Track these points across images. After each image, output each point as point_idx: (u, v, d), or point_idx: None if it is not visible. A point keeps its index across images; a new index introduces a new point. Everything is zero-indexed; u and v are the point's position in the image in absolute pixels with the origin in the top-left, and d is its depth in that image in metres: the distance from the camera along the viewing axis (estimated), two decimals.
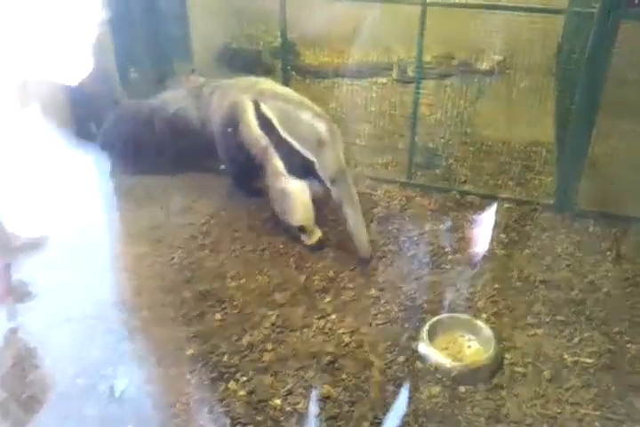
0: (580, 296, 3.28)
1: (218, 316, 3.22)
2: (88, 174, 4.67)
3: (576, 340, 3.01)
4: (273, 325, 3.16)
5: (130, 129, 4.63)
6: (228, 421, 2.62)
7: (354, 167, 4.69)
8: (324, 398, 2.73)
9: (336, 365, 2.91)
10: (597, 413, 2.63)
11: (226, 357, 2.95)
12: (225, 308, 3.28)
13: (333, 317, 3.22)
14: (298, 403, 2.71)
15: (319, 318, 3.21)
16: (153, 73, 5.64)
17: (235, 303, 3.31)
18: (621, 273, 3.43)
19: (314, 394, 2.75)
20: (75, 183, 4.49)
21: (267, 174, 3.83)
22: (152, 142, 4.55)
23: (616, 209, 3.84)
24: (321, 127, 3.65)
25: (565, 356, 2.92)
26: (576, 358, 2.90)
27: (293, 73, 6.43)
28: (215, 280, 3.49)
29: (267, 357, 2.96)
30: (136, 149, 4.60)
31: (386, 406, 2.70)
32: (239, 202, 4.28)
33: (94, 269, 3.59)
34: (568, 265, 3.52)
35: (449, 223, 3.99)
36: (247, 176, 4.24)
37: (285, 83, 4.96)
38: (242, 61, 6.72)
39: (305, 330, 3.13)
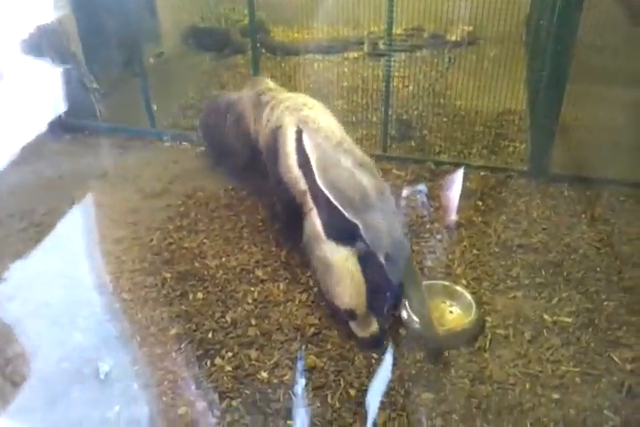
0: (557, 258, 3.34)
1: (200, 295, 3.21)
2: (60, 160, 4.61)
3: (555, 300, 3.07)
4: (255, 300, 3.17)
5: (211, 122, 4.41)
6: (215, 396, 2.63)
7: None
8: (311, 369, 2.76)
9: (320, 336, 2.94)
10: (577, 369, 2.70)
11: (210, 334, 2.96)
12: (207, 287, 3.27)
13: (316, 290, 3.23)
14: (284, 375, 2.74)
15: (302, 292, 3.22)
16: (120, 56, 5.52)
17: (216, 282, 3.30)
18: (596, 234, 3.49)
19: (300, 365, 2.77)
20: (46, 168, 4.43)
21: (305, 232, 3.03)
22: (222, 140, 4.19)
23: (589, 172, 3.89)
24: (366, 181, 2.83)
25: (545, 316, 2.98)
26: (555, 318, 2.96)
27: (263, 51, 6.37)
28: (195, 260, 3.47)
29: (251, 332, 2.97)
30: (213, 144, 4.46)
31: (371, 374, 2.73)
32: (215, 182, 4.24)
33: (73, 254, 3.55)
34: (544, 229, 3.58)
35: (426, 193, 4.01)
36: (292, 219, 3.24)
37: (255, 61, 4.90)
38: (211, 41, 6.61)
39: (288, 304, 3.14)
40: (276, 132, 3.29)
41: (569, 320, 2.95)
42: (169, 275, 3.35)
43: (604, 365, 2.71)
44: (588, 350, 2.79)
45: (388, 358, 2.80)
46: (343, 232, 2.82)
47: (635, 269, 3.22)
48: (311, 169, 2.96)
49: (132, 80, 5.07)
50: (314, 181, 2.93)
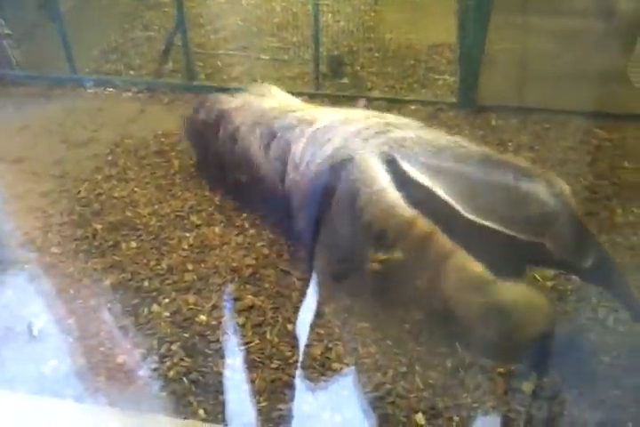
0: None
1: (133, 244, 3.16)
2: None
3: None
4: (191, 246, 3.15)
5: (198, 130, 3.51)
6: (155, 342, 2.65)
7: (261, 83, 4.57)
8: (249, 308, 2.80)
9: (257, 276, 2.97)
10: None
11: (146, 282, 2.94)
12: (140, 235, 3.22)
13: (252, 231, 3.24)
14: (223, 316, 2.77)
15: (237, 235, 3.22)
16: None
17: (150, 230, 3.25)
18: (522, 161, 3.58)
19: (238, 305, 2.81)
20: None
21: (446, 286, 2.38)
22: (214, 152, 3.40)
23: (514, 101, 3.95)
24: (532, 187, 2.23)
25: None
26: None
27: None
28: (126, 209, 3.40)
29: (188, 277, 2.97)
30: (202, 154, 3.62)
31: (309, 308, 2.80)
32: (143, 128, 4.09)
33: None
34: None
35: None
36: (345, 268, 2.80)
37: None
38: None
39: (224, 247, 3.14)
40: (342, 171, 2.51)
41: None
42: (100, 226, 3.27)
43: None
44: None
45: (324, 293, 2.87)
46: (520, 261, 2.33)
47: None
48: (442, 203, 2.26)
49: (48, 24, 4.73)
50: (456, 217, 2.23)
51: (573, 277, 2.68)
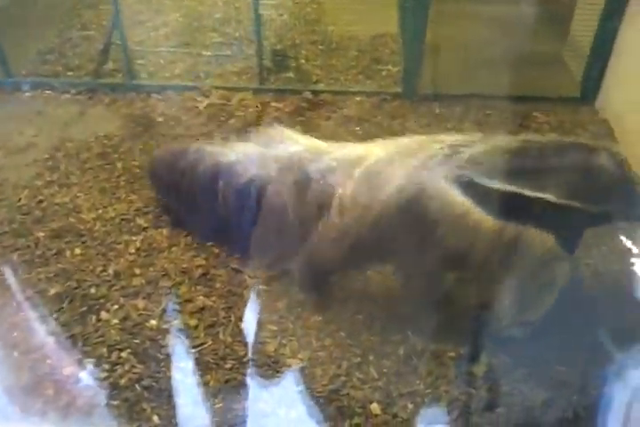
0: None
1: (78, 251, 3.08)
2: None
3: None
4: (138, 249, 3.08)
5: (177, 181, 3.06)
6: (104, 350, 2.59)
7: (204, 79, 4.51)
8: (200, 310, 2.77)
9: (208, 276, 2.93)
10: None
11: (93, 289, 2.87)
12: (85, 241, 3.14)
13: None
14: (174, 320, 2.73)
15: (186, 236, 3.17)
16: None
17: (95, 235, 3.17)
18: None
19: (189, 307, 2.78)
20: None
21: None
22: (204, 207, 3.02)
23: (457, 89, 4.00)
24: (606, 162, 2.30)
25: None
26: None
27: None
28: (70, 215, 3.30)
29: (136, 281, 2.91)
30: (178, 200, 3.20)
31: (261, 305, 2.79)
32: (84, 130, 3.98)
33: None
34: None
35: (306, 124, 3.99)
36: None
37: None
38: None
39: (173, 249, 3.09)
40: (415, 205, 2.35)
41: None
42: (42, 234, 3.17)
43: None
44: None
45: (277, 289, 2.85)
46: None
47: None
48: (532, 200, 2.23)
49: None
50: (547, 208, 2.23)
51: None
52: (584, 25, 4.04)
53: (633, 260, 2.90)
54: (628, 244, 2.97)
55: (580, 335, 2.56)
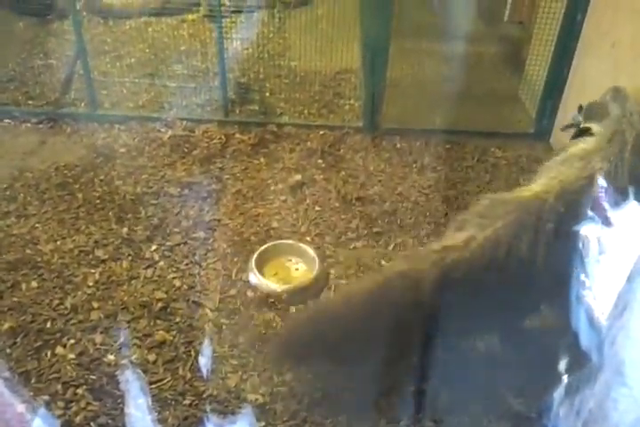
0: (391, 207, 3.54)
1: (34, 284, 3.00)
2: None
3: (391, 247, 3.27)
4: (97, 282, 3.03)
5: None
6: (59, 386, 2.51)
7: (168, 110, 4.52)
8: (160, 344, 2.71)
9: (168, 310, 2.89)
10: None
11: (49, 323, 2.79)
12: (41, 274, 3.06)
13: (162, 263, 3.16)
14: (133, 355, 2.67)
15: (146, 268, 3.13)
16: None
17: (52, 267, 3.10)
18: (425, 181, 3.74)
19: (148, 342, 2.72)
20: None
21: None
22: None
23: (417, 124, 4.11)
24: None
25: (383, 262, 3.17)
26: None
27: (88, 14, 5.90)
28: (26, 247, 3.22)
29: (94, 315, 2.85)
30: None
31: (222, 339, 2.75)
32: (45, 160, 3.93)
33: None
34: (380, 181, 3.76)
35: (269, 156, 4.03)
36: None
37: (77, 26, 4.51)
38: (32, 5, 5.95)
39: (132, 282, 3.04)
40: None
41: None
42: None
43: None
44: None
45: (239, 323, 2.83)
46: None
47: (459, 211, 3.49)
48: None
49: None
50: None
51: None
52: (537, 64, 4.24)
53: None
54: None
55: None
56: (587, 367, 1.92)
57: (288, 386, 2.54)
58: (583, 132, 2.58)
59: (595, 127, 2.52)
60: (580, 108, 2.90)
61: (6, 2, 6.02)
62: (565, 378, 2.23)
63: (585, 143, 2.46)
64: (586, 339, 2.04)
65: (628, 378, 1.67)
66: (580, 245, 2.23)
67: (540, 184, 2.35)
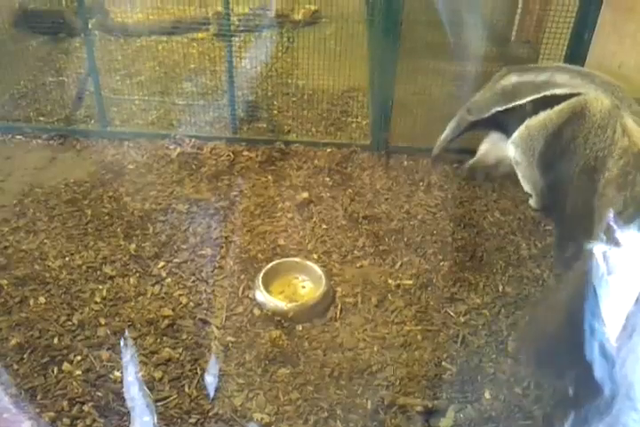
0: (398, 226, 3.55)
1: (42, 299, 3.01)
2: None
3: (397, 265, 3.27)
4: (104, 299, 3.04)
5: None
6: (65, 403, 2.51)
7: (177, 128, 4.57)
8: (166, 362, 2.71)
9: (175, 327, 2.89)
10: (419, 327, 2.91)
11: (56, 339, 2.80)
12: (49, 290, 3.08)
13: (169, 280, 3.17)
14: (139, 371, 2.67)
15: (154, 285, 3.14)
16: None
17: (60, 283, 3.12)
18: (432, 200, 3.76)
19: (155, 359, 2.72)
20: None
21: None
22: None
23: (424, 143, 4.13)
24: None
25: (389, 281, 3.17)
26: (398, 282, 3.16)
27: (101, 33, 6.00)
28: (35, 263, 3.24)
29: (101, 332, 2.85)
30: None
31: (228, 357, 2.75)
32: (54, 177, 3.97)
33: None
34: (387, 199, 3.78)
35: (277, 173, 4.06)
36: None
37: (89, 45, 4.58)
38: (44, 23, 6.06)
39: (139, 298, 3.05)
40: None
41: (410, 282, 3.16)
42: (5, 281, 3.10)
43: (442, 320, 2.94)
44: (428, 308, 3.01)
45: (245, 341, 2.83)
46: None
47: (465, 230, 3.51)
48: None
49: None
50: None
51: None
52: None
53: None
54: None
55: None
56: (599, 399, 1.89)
57: (294, 405, 2.52)
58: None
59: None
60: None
61: (19, 20, 6.13)
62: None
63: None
64: (598, 369, 2.02)
65: (637, 402, 1.65)
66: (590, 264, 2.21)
67: None
